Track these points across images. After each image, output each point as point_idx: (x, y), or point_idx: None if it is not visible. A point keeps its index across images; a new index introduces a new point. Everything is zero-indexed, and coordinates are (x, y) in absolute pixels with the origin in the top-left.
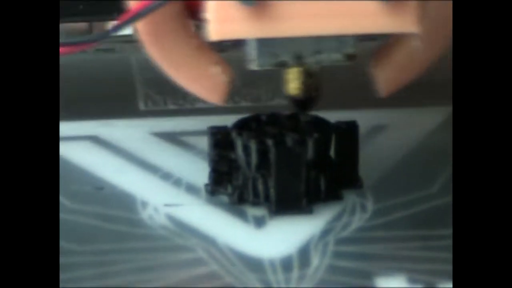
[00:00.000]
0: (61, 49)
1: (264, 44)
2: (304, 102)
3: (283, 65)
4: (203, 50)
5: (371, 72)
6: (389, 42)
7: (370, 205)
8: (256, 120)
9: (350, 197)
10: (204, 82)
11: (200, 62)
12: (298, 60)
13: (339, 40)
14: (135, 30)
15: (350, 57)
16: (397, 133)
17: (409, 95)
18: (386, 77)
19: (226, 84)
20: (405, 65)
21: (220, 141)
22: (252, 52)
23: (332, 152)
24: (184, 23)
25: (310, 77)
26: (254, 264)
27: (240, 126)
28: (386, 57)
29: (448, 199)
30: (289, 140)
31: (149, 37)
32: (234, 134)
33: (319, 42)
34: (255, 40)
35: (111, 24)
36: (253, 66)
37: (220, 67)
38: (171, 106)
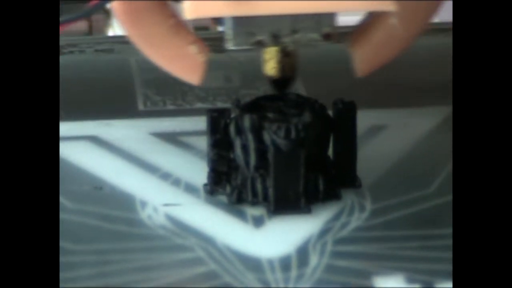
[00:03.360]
0: (61, 27)
1: (241, 23)
2: (280, 82)
3: (260, 45)
4: (181, 29)
5: (349, 52)
6: (367, 21)
7: (368, 205)
8: (257, 106)
9: (349, 197)
10: (180, 61)
11: (176, 42)
12: (275, 39)
13: (316, 19)
14: (112, 10)
15: (327, 36)
16: (396, 133)
17: (408, 96)
18: (363, 56)
19: (203, 64)
20: (383, 45)
21: (219, 141)
22: (228, 31)
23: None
24: (161, 2)
25: (287, 57)
26: (252, 264)
27: (239, 111)
28: (364, 36)
29: (446, 198)
30: (287, 143)
31: (125, 16)
32: (232, 133)
33: (296, 21)
34: (232, 19)
35: (107, 24)
36: (230, 45)
37: (197, 46)
38: (170, 107)
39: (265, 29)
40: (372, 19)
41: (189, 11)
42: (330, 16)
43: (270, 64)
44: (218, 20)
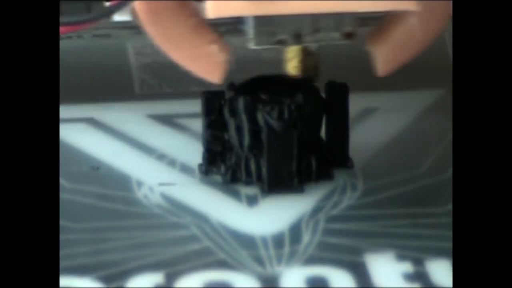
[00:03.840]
0: (61, 29)
1: (262, 22)
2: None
3: (282, 44)
4: (201, 29)
5: (369, 51)
6: (387, 20)
7: (360, 185)
8: (251, 88)
9: (341, 177)
10: (202, 61)
11: (198, 41)
12: (297, 38)
13: (337, 18)
14: (133, 9)
15: (348, 35)
16: (387, 116)
17: (399, 79)
18: (384, 56)
19: (224, 63)
20: (403, 44)
21: (214, 122)
22: (250, 30)
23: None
24: (182, 2)
25: (308, 56)
26: (246, 241)
27: (234, 94)
28: (384, 35)
29: (436, 178)
30: (280, 124)
31: (147, 16)
32: (226, 115)
33: (317, 20)
34: (253, 18)
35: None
36: (252, 44)
37: (218, 45)
38: (166, 90)
39: (286, 29)
40: (392, 18)
41: (212, 10)
42: (351, 16)
43: (292, 63)
44: (239, 19)
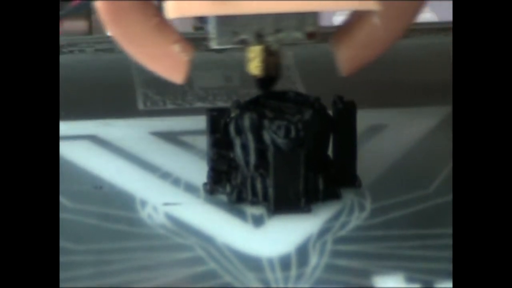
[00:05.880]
0: None
1: (224, 22)
2: (264, 80)
3: (244, 43)
4: (164, 28)
5: (332, 51)
6: (349, 21)
7: (368, 204)
8: (257, 105)
9: (349, 196)
10: (164, 60)
11: (160, 40)
12: (259, 38)
13: (299, 18)
14: (96, 9)
15: (310, 35)
16: (396, 133)
17: (408, 96)
18: (346, 55)
19: (186, 63)
20: (366, 44)
21: (219, 140)
22: (212, 30)
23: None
24: (145, 2)
25: (270, 56)
26: (252, 263)
27: (239, 111)
28: (347, 35)
29: (445, 198)
30: (287, 142)
31: (108, 15)
32: (232, 133)
33: (279, 20)
34: (215, 18)
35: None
36: (214, 44)
37: (180, 45)
38: (170, 106)
39: (248, 28)
40: (355, 19)
41: (172, 10)
42: (313, 15)
43: (254, 63)
44: (202, 19)
